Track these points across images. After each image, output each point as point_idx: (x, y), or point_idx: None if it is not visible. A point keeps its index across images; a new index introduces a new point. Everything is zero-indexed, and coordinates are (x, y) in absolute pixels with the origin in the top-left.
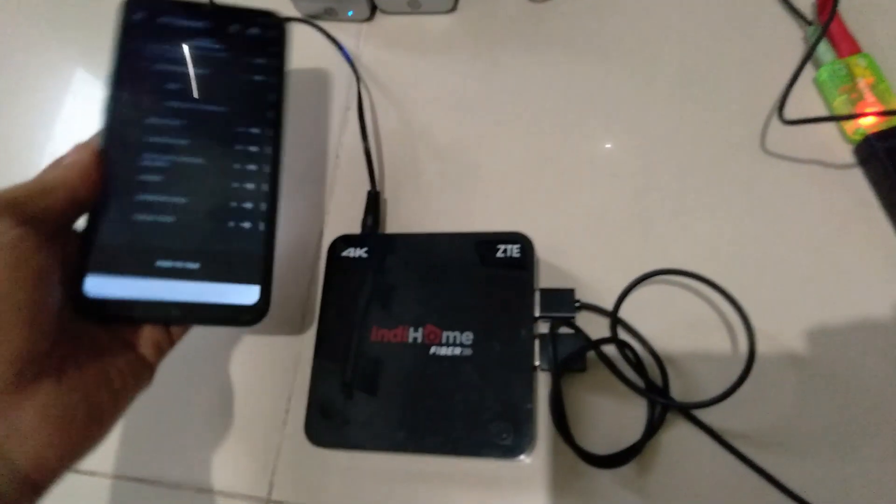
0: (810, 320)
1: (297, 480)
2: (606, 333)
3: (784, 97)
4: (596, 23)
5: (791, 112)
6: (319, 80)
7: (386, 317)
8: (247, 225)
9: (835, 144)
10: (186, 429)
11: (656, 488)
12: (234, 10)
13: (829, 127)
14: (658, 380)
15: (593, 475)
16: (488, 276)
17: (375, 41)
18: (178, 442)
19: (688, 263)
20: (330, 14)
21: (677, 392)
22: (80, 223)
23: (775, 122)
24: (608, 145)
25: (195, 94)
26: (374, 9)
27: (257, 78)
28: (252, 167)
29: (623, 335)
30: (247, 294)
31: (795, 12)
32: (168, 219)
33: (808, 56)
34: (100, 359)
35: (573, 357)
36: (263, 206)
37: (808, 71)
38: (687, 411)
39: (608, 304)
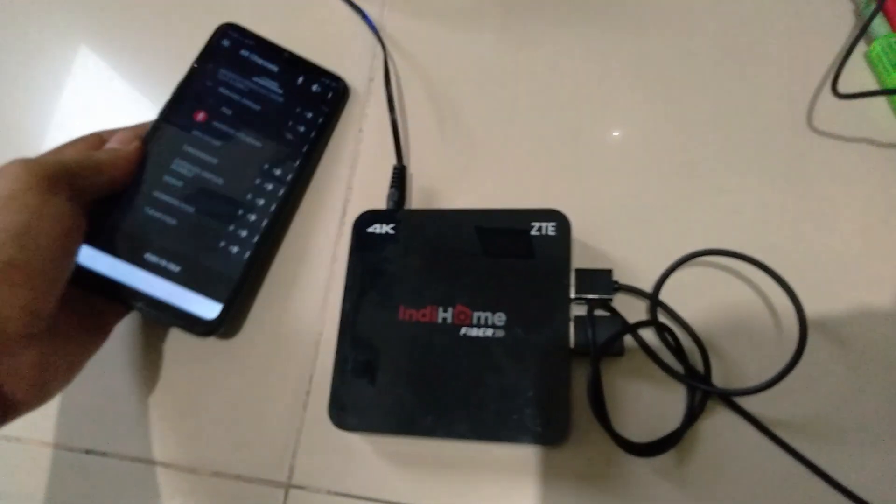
0: (860, 304)
1: (319, 465)
2: (644, 316)
3: (839, 70)
4: None
5: (841, 88)
6: (343, 50)
7: (414, 296)
8: (234, 249)
9: (886, 122)
10: (204, 411)
11: (696, 478)
12: (307, 63)
13: (880, 104)
14: (699, 365)
15: (630, 464)
16: (522, 254)
17: (401, 10)
18: (196, 425)
19: (731, 244)
20: None
21: (718, 378)
22: None
23: (823, 97)
24: (646, 120)
25: (240, 124)
26: None
27: (300, 128)
28: (261, 202)
29: (662, 318)
30: (209, 309)
31: None
32: (171, 221)
33: (864, 29)
34: (78, 320)
35: (611, 341)
36: (255, 239)
37: (859, 47)
38: (729, 399)
39: (646, 286)
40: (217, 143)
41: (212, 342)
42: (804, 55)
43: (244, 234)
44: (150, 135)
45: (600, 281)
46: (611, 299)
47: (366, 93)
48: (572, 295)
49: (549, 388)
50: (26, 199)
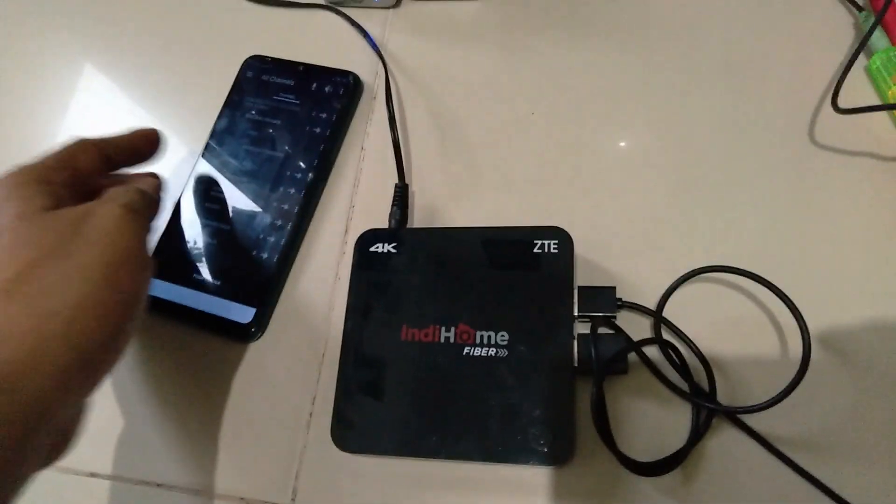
0: (864, 319)
1: (322, 486)
2: (648, 334)
3: (838, 85)
4: (635, 7)
5: (842, 102)
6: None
7: (417, 315)
8: (265, 255)
9: (887, 136)
10: (206, 432)
11: (702, 497)
12: (319, 69)
13: (881, 117)
14: (704, 383)
15: (635, 483)
16: (524, 272)
17: (402, 28)
18: (198, 446)
19: (734, 260)
20: (356, 0)
21: (723, 396)
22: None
23: (824, 111)
24: (648, 136)
25: (266, 141)
26: None
27: (316, 129)
28: (286, 206)
29: (667, 336)
30: (244, 314)
31: None
32: (212, 240)
33: (864, 43)
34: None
35: (615, 358)
36: (283, 242)
37: (859, 61)
38: (734, 416)
39: (649, 303)
40: (247, 164)
41: (215, 363)
42: (806, 70)
43: (272, 239)
44: (194, 169)
45: (604, 298)
46: (614, 317)
47: (367, 111)
48: (576, 313)
49: (554, 407)
50: (143, 259)
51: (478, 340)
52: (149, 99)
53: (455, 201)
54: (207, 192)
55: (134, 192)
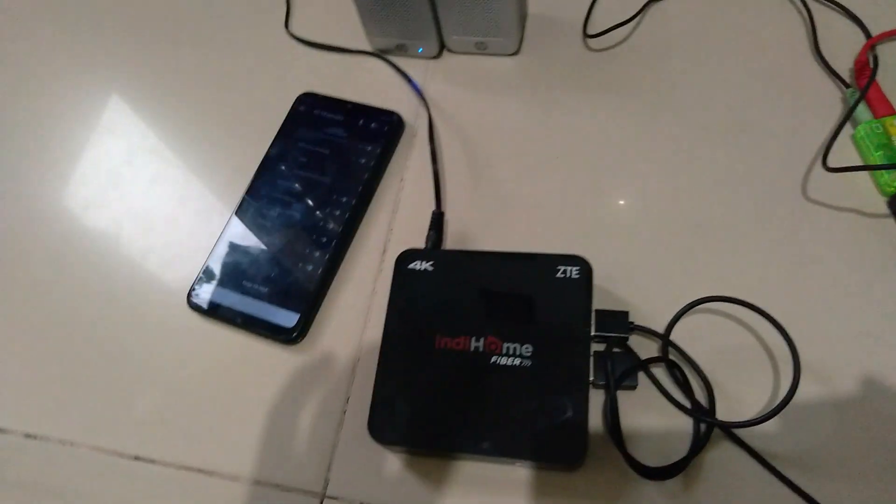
0: (848, 350)
1: (352, 478)
2: (656, 354)
3: (828, 147)
4: (648, 72)
5: (830, 163)
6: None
7: (449, 326)
8: (310, 267)
9: (870, 196)
10: (246, 424)
11: (701, 502)
12: (367, 107)
13: (865, 179)
14: (704, 400)
15: (640, 487)
16: (548, 293)
17: (441, 77)
18: (238, 436)
19: (734, 292)
20: (400, 49)
21: (722, 412)
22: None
23: (816, 170)
24: (659, 183)
25: (315, 167)
26: (442, 48)
27: (361, 160)
28: (331, 225)
29: (672, 357)
30: (289, 318)
31: (835, 75)
32: (262, 252)
33: (848, 116)
34: None
35: (626, 374)
36: (327, 256)
37: (846, 129)
38: (731, 431)
39: (658, 327)
40: (297, 186)
41: (258, 362)
42: (800, 134)
43: (317, 253)
44: (247, 189)
45: (618, 321)
46: (627, 338)
47: (408, 147)
48: (592, 332)
49: (571, 415)
50: None
51: (504, 350)
52: (207, 125)
53: (484, 229)
54: (259, 208)
55: None
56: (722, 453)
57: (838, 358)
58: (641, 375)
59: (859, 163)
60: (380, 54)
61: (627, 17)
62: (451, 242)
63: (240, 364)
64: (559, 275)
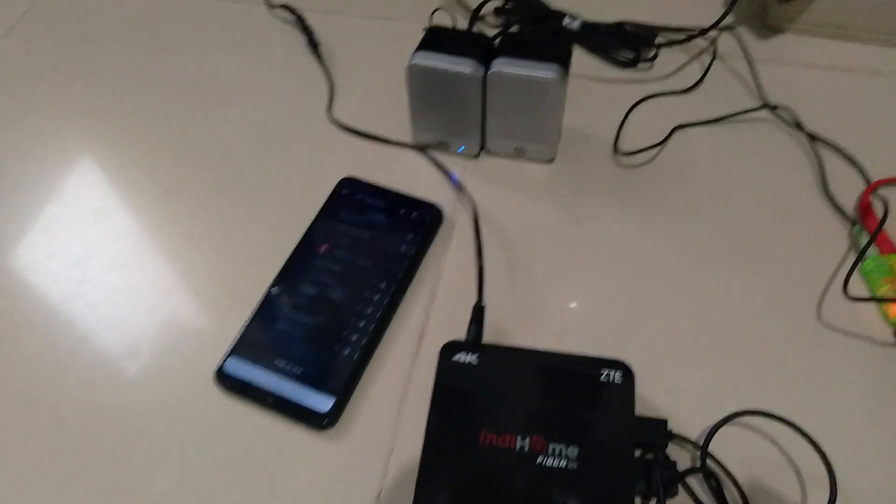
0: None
1: None
2: (688, 462)
3: (847, 277)
4: (673, 191)
5: (836, 293)
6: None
7: (494, 422)
8: (346, 351)
9: (877, 325)
10: None
11: None
12: (408, 198)
13: (871, 308)
14: None
15: None
16: (592, 396)
17: (479, 176)
18: None
19: (764, 403)
20: (442, 146)
21: None
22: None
23: (830, 296)
24: (685, 294)
25: (354, 250)
26: (481, 148)
27: (401, 248)
28: (369, 310)
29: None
30: (323, 402)
31: (842, 212)
32: (297, 332)
33: (861, 255)
34: None
35: (670, 484)
36: (364, 341)
37: (851, 260)
38: None
39: (685, 433)
40: (336, 267)
41: (286, 446)
42: (812, 260)
43: (354, 337)
44: (284, 266)
45: (657, 429)
46: (666, 445)
47: (446, 239)
48: None
49: None
50: None
51: (550, 451)
52: (247, 199)
53: (519, 325)
54: (296, 286)
55: None
56: None
57: (871, 482)
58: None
59: (866, 292)
60: (420, 148)
61: (656, 141)
62: (487, 336)
63: (265, 447)
64: (603, 378)
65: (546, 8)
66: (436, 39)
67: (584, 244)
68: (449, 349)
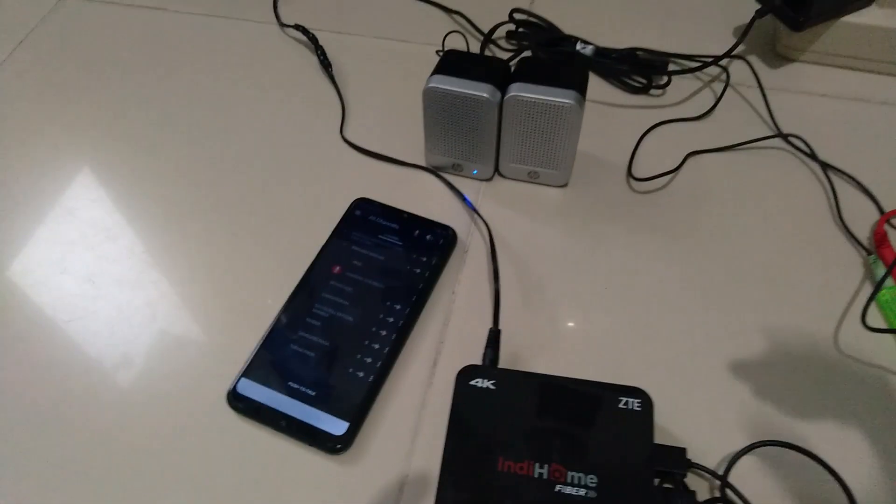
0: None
1: None
2: (708, 493)
3: (865, 308)
4: (687, 218)
5: (853, 323)
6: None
7: (512, 449)
8: (360, 374)
9: (894, 356)
10: None
11: None
12: (422, 219)
13: (890, 340)
14: None
15: None
16: (610, 424)
17: (492, 199)
18: None
19: (780, 434)
20: (455, 169)
21: None
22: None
23: (846, 326)
24: (701, 321)
25: (368, 272)
26: (494, 172)
27: (416, 270)
28: (384, 332)
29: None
30: (337, 426)
31: (856, 240)
32: (311, 353)
33: (879, 287)
34: None
35: None
36: (379, 364)
37: (866, 289)
38: None
39: (708, 463)
40: (349, 288)
41: (299, 471)
42: (827, 289)
43: (369, 360)
44: (297, 286)
45: (676, 458)
46: (685, 475)
47: (460, 262)
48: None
49: None
50: None
51: (569, 480)
52: (258, 218)
53: (534, 350)
54: (310, 308)
55: None
56: None
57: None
58: None
59: (883, 323)
60: (433, 170)
61: (669, 167)
62: (502, 361)
63: (278, 471)
64: (621, 405)
65: (559, 32)
66: (452, 63)
67: (599, 269)
68: (466, 374)
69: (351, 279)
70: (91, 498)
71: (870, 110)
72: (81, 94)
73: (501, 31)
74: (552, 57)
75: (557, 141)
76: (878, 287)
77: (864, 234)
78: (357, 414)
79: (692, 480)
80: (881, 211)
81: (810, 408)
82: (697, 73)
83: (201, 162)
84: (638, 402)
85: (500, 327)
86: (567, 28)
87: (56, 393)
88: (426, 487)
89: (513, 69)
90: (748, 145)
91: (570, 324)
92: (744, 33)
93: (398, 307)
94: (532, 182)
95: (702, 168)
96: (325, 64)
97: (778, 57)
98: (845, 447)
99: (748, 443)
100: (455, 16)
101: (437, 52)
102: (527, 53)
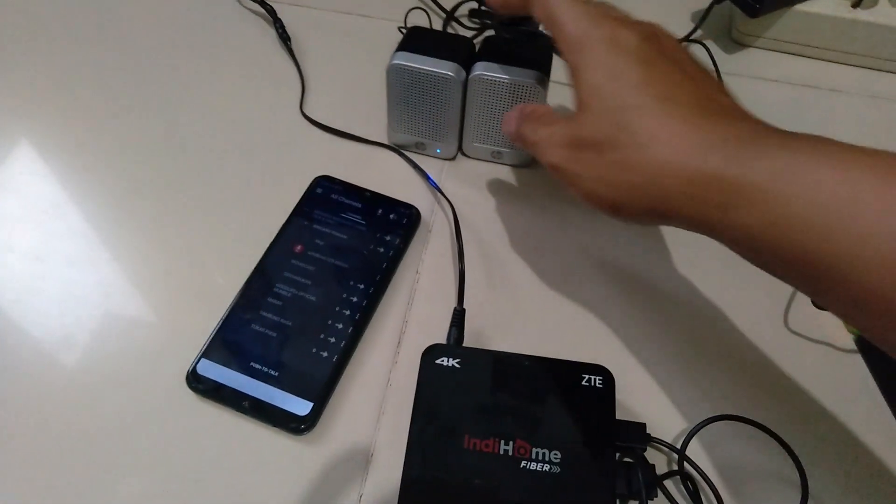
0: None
1: None
2: (664, 464)
3: None
4: None
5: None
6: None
7: (478, 427)
8: (324, 354)
9: (839, 333)
10: None
11: None
12: (385, 198)
13: (835, 318)
14: None
15: None
16: (573, 401)
17: (456, 178)
18: None
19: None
20: (418, 148)
21: None
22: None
23: (795, 305)
24: (664, 299)
25: (331, 251)
26: (458, 151)
27: (379, 249)
28: (347, 312)
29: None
30: (301, 406)
31: None
32: (273, 333)
33: None
34: None
35: (651, 486)
36: (342, 344)
37: None
38: None
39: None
40: (311, 268)
41: (263, 452)
42: None
43: (332, 340)
44: (258, 266)
45: (636, 433)
46: (644, 449)
47: (423, 241)
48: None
49: None
50: None
51: (534, 456)
52: (216, 196)
53: (498, 329)
54: (272, 287)
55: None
56: None
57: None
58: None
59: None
60: (396, 149)
61: None
62: (466, 340)
63: (241, 452)
64: (584, 383)
65: None
66: (417, 40)
67: (562, 248)
68: (431, 352)
69: (313, 258)
70: (45, 481)
71: (819, 96)
72: (21, 62)
73: (464, 9)
74: (515, 37)
75: None
76: None
77: None
78: (321, 394)
79: (651, 454)
80: None
81: (764, 383)
82: None
83: (157, 136)
84: (600, 380)
85: (465, 306)
86: None
87: (2, 375)
88: (392, 466)
89: (477, 48)
90: None
91: (534, 302)
92: (702, 18)
93: (361, 286)
94: (496, 162)
95: None
96: (284, 37)
97: (733, 43)
98: (794, 420)
99: (704, 418)
100: None
101: (400, 28)
102: (490, 32)
